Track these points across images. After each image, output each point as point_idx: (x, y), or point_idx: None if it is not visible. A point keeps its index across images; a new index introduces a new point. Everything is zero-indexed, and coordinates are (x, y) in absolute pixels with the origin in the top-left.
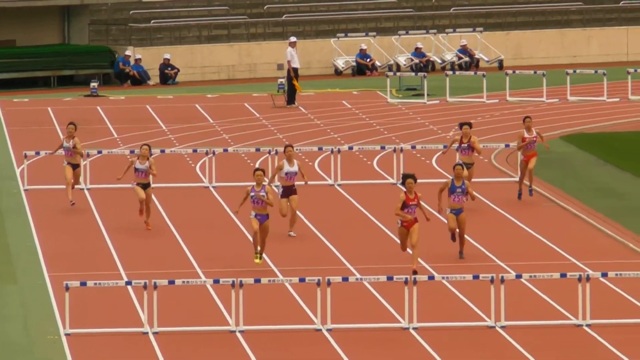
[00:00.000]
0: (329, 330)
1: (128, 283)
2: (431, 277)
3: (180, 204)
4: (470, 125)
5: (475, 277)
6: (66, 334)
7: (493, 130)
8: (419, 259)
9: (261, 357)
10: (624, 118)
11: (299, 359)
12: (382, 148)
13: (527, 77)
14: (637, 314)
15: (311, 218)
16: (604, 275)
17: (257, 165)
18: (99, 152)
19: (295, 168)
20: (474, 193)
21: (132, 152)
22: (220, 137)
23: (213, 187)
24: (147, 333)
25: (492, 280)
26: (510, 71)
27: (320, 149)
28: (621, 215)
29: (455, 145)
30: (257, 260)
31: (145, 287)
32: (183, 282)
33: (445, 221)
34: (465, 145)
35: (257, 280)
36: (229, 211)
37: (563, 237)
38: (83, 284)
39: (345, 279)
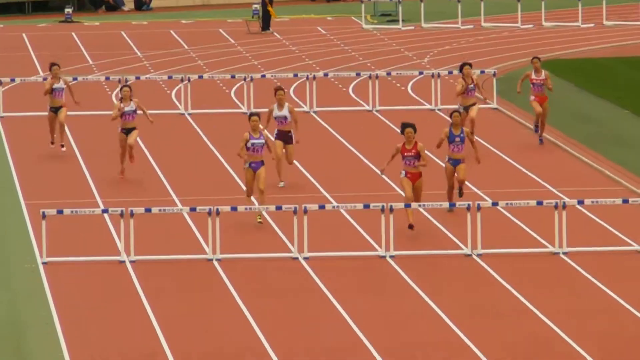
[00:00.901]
0: (305, 258)
1: (105, 211)
2: (407, 205)
3: (156, 131)
4: (471, 65)
5: (452, 205)
6: (43, 263)
7: (468, 57)
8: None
9: (238, 286)
10: (598, 44)
11: (276, 288)
12: (358, 75)
13: (502, 3)
14: (613, 242)
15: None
16: (580, 202)
17: (251, 110)
18: (74, 78)
19: (284, 112)
20: (477, 139)
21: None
22: (195, 64)
23: (189, 114)
24: (124, 262)
25: (468, 208)
26: None
27: (295, 75)
28: (597, 142)
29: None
30: (259, 219)
31: (122, 215)
32: (160, 210)
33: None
34: (472, 86)
35: (234, 209)
36: (205, 139)
37: (539, 165)
38: (60, 212)
39: (322, 207)
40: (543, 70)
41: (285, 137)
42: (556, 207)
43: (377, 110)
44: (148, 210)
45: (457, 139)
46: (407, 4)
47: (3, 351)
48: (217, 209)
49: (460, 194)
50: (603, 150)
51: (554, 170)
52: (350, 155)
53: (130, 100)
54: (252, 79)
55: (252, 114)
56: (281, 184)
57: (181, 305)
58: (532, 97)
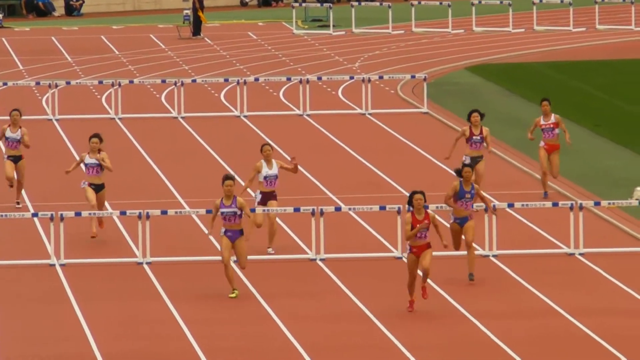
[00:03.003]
0: (322, 259)
1: (34, 215)
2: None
3: (79, 138)
4: (480, 112)
5: (382, 208)
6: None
7: (398, 62)
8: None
9: (169, 289)
10: (528, 49)
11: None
12: (288, 79)
13: (433, 8)
14: (543, 244)
15: (216, 148)
16: (510, 206)
17: (228, 174)
18: (4, 83)
19: (274, 170)
20: (486, 195)
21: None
22: (126, 69)
23: (119, 118)
24: (54, 265)
25: (398, 212)
26: (415, 2)
27: (226, 80)
28: (528, 145)
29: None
30: (232, 295)
31: (51, 219)
32: (90, 213)
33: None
34: (478, 137)
35: (164, 212)
36: (135, 143)
37: (459, 162)
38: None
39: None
40: (554, 115)
41: (269, 197)
42: (486, 210)
43: (307, 115)
44: (78, 214)
45: (467, 195)
46: (338, 9)
47: None
48: (147, 213)
49: (471, 278)
50: (533, 154)
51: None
52: (279, 157)
53: (19, 127)
54: (182, 84)
55: (226, 178)
56: (270, 250)
57: (111, 307)
58: (542, 143)
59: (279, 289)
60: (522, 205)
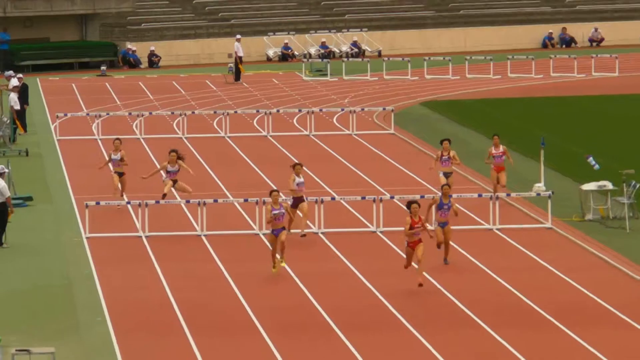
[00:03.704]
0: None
1: (128, 202)
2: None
3: (159, 151)
4: (449, 140)
5: (363, 197)
6: (86, 237)
7: (374, 99)
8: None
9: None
10: (463, 90)
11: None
12: (299, 111)
13: (398, 62)
14: (472, 222)
15: (251, 157)
16: (392, 197)
17: (272, 188)
18: (107, 114)
19: (302, 179)
20: (458, 206)
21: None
22: (189, 104)
23: (185, 137)
24: (140, 236)
25: (317, 201)
26: (386, 58)
27: (257, 111)
28: (465, 157)
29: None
30: (274, 270)
31: (140, 205)
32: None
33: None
34: (446, 157)
35: (215, 200)
36: (196, 154)
37: (422, 171)
38: (97, 203)
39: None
40: (502, 145)
41: (299, 201)
42: (374, 200)
43: (313, 135)
44: (157, 202)
45: (445, 207)
46: (334, 63)
47: (59, 297)
48: (204, 201)
49: (446, 262)
50: (467, 161)
51: (422, 170)
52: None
53: (176, 163)
54: (227, 114)
55: (273, 191)
56: (301, 231)
57: (179, 266)
58: (492, 167)
59: (296, 254)
60: (421, 197)
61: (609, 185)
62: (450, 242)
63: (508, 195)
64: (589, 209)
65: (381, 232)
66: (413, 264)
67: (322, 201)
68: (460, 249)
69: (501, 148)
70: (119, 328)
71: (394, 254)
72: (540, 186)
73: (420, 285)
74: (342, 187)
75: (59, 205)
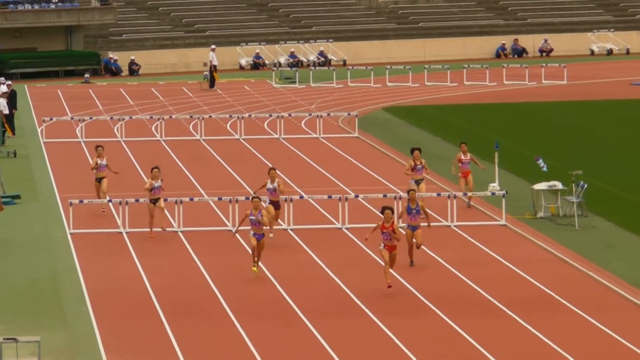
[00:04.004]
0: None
1: (109, 200)
2: (350, 197)
3: (139, 153)
4: (420, 150)
5: (329, 197)
6: (70, 233)
7: (339, 104)
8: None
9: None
10: (422, 96)
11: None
12: (270, 116)
13: (361, 71)
14: (433, 219)
15: (224, 158)
16: (356, 196)
17: (254, 195)
18: (90, 118)
19: (275, 185)
20: (428, 211)
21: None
22: (167, 109)
23: (163, 140)
24: (121, 232)
25: (339, 199)
26: (350, 67)
27: (230, 116)
28: (423, 158)
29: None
30: (255, 269)
31: (120, 203)
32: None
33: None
34: (420, 166)
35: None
36: (173, 155)
37: (385, 171)
38: (81, 201)
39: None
40: (469, 153)
41: (275, 205)
42: (340, 199)
43: (282, 138)
44: (137, 200)
45: (414, 211)
46: (302, 71)
47: (46, 287)
48: (181, 200)
49: (412, 264)
50: (430, 165)
51: (389, 174)
52: (264, 166)
53: (159, 179)
54: (202, 118)
55: (254, 197)
56: (270, 235)
57: (159, 260)
58: (460, 174)
59: (267, 249)
60: (365, 196)
61: (559, 185)
62: (421, 246)
63: (465, 194)
64: (540, 207)
65: (346, 228)
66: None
67: (291, 200)
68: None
69: (469, 155)
70: (101, 317)
71: (358, 248)
72: (494, 186)
73: (389, 286)
74: (310, 187)
75: (45, 203)
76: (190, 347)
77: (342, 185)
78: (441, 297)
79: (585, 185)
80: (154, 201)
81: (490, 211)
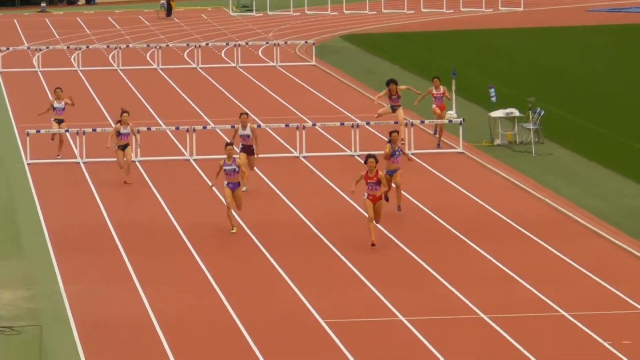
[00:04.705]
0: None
1: (67, 131)
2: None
3: (96, 83)
4: (396, 82)
5: (287, 125)
6: (28, 164)
7: (296, 32)
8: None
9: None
10: (380, 24)
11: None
12: (227, 44)
13: None
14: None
15: (181, 87)
16: (314, 125)
17: (228, 141)
18: (47, 47)
19: (247, 132)
20: (409, 154)
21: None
22: (124, 38)
23: (120, 69)
24: (78, 162)
25: (297, 127)
26: None
27: (187, 45)
28: (374, 83)
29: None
30: (233, 231)
31: (77, 133)
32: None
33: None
34: (395, 97)
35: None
36: (132, 87)
37: (335, 97)
38: (38, 131)
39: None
40: (442, 86)
41: (248, 150)
42: (297, 127)
43: (239, 67)
44: (94, 130)
45: (397, 153)
46: None
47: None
48: (139, 129)
49: (399, 209)
50: (380, 88)
51: (343, 99)
52: (221, 95)
53: (128, 125)
54: (160, 47)
55: (228, 144)
56: (244, 188)
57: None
58: (434, 106)
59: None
60: (322, 124)
61: (515, 112)
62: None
63: (422, 122)
64: (497, 134)
65: (304, 157)
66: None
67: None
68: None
69: (441, 89)
70: (58, 248)
71: (315, 177)
72: (452, 113)
73: (373, 244)
74: (267, 116)
75: (1, 133)
76: (149, 278)
77: (299, 113)
78: (399, 225)
79: (542, 112)
80: (123, 147)
81: (448, 139)
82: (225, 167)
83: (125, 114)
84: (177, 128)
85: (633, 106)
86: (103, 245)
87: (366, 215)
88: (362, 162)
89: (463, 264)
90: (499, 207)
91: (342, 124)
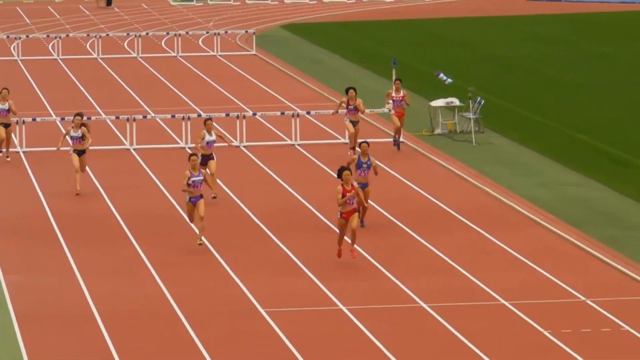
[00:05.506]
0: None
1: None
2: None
3: (36, 73)
4: (355, 89)
5: (227, 114)
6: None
7: (237, 22)
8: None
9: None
10: (320, 13)
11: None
12: (167, 34)
13: None
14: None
15: (122, 76)
16: (254, 114)
17: (192, 152)
18: None
19: (213, 137)
20: (378, 163)
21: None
22: (64, 27)
23: (60, 59)
24: (18, 152)
25: (237, 117)
26: None
27: (128, 34)
28: (322, 76)
29: (344, 106)
30: (200, 243)
31: (17, 123)
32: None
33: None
34: (352, 107)
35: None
36: (71, 75)
37: (275, 86)
38: None
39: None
40: (402, 90)
41: (208, 158)
42: (238, 117)
43: (180, 56)
44: (34, 119)
45: (364, 165)
46: None
47: None
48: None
49: (362, 224)
50: (324, 80)
51: (283, 89)
52: (156, 80)
53: (80, 127)
54: (100, 37)
55: (192, 155)
56: (213, 194)
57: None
58: (392, 112)
59: (163, 165)
60: (262, 113)
61: (456, 101)
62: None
63: (395, 139)
64: (437, 124)
65: (244, 146)
66: (345, 237)
67: (189, 118)
68: (319, 163)
69: (402, 92)
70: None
71: (256, 166)
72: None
73: (354, 257)
74: (208, 105)
75: None
76: (89, 268)
77: (240, 103)
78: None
79: (482, 102)
80: (78, 153)
81: (388, 128)
82: (193, 179)
83: (77, 117)
84: (118, 117)
85: (573, 95)
86: (43, 235)
87: (337, 231)
88: (335, 176)
89: (401, 252)
90: (438, 195)
91: (282, 114)
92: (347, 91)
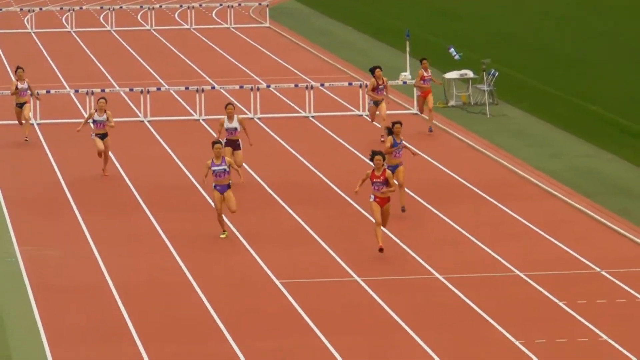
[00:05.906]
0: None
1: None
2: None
3: (50, 46)
4: (381, 68)
5: (241, 86)
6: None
7: None
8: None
9: None
10: None
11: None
12: (181, 6)
13: None
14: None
15: (135, 49)
16: (268, 86)
17: (215, 139)
18: (1, 9)
19: (234, 124)
20: (413, 148)
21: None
22: (78, 0)
23: (74, 31)
24: (32, 124)
25: (251, 89)
26: None
27: (141, 7)
28: (334, 47)
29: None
30: (223, 235)
31: (32, 95)
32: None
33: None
34: (382, 86)
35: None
36: (85, 48)
37: (288, 58)
38: None
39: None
40: (429, 69)
41: (232, 144)
42: (252, 89)
43: (194, 28)
44: (48, 91)
45: (400, 146)
46: None
47: None
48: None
49: (403, 210)
50: (336, 50)
51: (295, 60)
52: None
53: (105, 111)
54: (113, 9)
55: (215, 142)
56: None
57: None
58: (419, 93)
59: (178, 137)
60: (330, 85)
61: (470, 73)
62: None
63: (365, 85)
64: (451, 96)
65: (259, 118)
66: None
67: (202, 90)
68: (334, 135)
69: (429, 72)
70: (12, 211)
71: (271, 139)
72: (406, 75)
73: (381, 250)
74: (222, 77)
75: None
76: (104, 239)
77: (253, 75)
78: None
79: (497, 73)
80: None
81: (402, 100)
82: (213, 168)
83: (102, 101)
84: (131, 90)
85: (586, 68)
86: (58, 206)
87: (373, 220)
88: (368, 160)
89: (417, 224)
90: (452, 167)
91: (296, 86)
92: (372, 71)
